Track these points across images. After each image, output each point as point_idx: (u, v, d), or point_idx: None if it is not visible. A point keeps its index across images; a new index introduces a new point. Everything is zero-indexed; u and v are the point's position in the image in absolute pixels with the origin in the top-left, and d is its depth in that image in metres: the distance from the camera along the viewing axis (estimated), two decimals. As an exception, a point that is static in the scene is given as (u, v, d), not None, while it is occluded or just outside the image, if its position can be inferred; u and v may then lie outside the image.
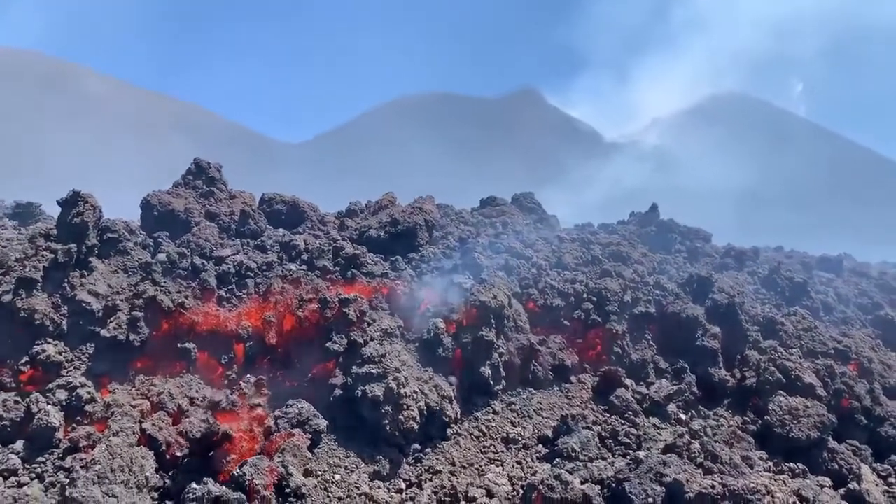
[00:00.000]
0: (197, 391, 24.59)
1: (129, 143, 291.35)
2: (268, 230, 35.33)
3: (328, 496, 22.25)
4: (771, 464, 27.54)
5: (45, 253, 25.67)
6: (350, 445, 24.62)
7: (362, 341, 27.21)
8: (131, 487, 19.73)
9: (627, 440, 27.62)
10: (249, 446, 22.19)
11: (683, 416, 31.00)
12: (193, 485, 20.12)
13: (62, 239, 26.49)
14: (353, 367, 26.01)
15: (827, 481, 26.44)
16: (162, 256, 28.60)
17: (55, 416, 21.19)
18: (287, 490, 21.07)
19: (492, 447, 27.08)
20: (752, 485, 22.42)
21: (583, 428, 27.32)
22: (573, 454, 25.61)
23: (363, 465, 24.15)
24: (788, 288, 45.19)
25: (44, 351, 23.24)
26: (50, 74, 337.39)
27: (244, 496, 20.05)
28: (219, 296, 28.59)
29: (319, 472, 23.01)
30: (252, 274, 30.02)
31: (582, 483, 22.99)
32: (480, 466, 25.67)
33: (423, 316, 30.15)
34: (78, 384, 22.59)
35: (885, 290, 51.33)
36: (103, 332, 24.51)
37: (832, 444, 28.87)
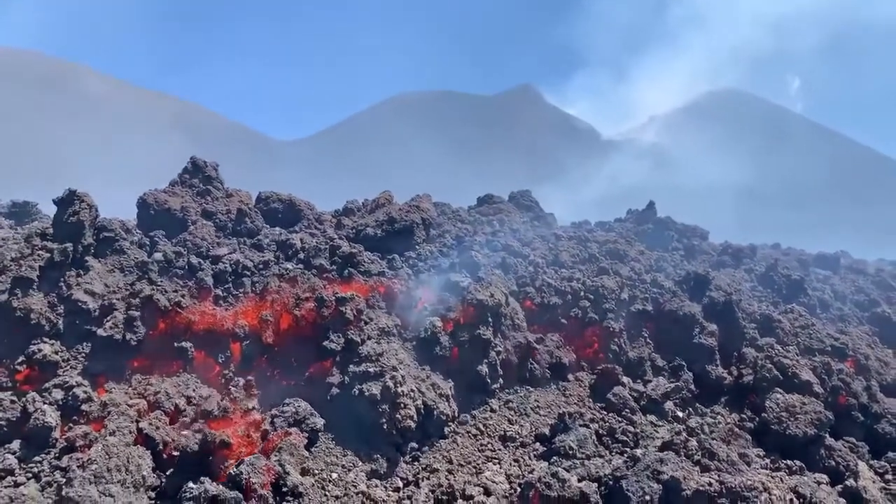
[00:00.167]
0: (194, 390, 24.56)
1: (127, 141, 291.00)
2: (264, 229, 35.27)
3: (325, 495, 22.25)
4: (768, 461, 27.62)
5: (41, 252, 25.62)
6: (347, 444, 24.61)
7: (359, 340, 27.20)
8: (128, 487, 19.71)
9: (625, 438, 27.65)
10: (248, 451, 22.12)
11: (681, 414, 31.04)
12: (190, 484, 20.11)
13: (58, 238, 26.43)
14: (351, 366, 26.01)
15: (824, 478, 26.51)
16: (158, 255, 28.55)
17: (51, 416, 21.15)
18: (284, 489, 21.06)
19: (489, 445, 27.10)
20: (749, 482, 22.43)
21: (580, 426, 27.35)
22: (570, 452, 25.64)
23: (360, 463, 24.14)
24: (785, 285, 45.23)
25: (40, 350, 23.18)
26: (49, 74, 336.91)
27: (241, 495, 20.03)
28: (215, 295, 28.54)
29: (316, 471, 23.02)
30: (249, 273, 29.98)
31: (579, 481, 23.02)
32: (478, 465, 25.68)
33: (421, 314, 30.14)
34: (74, 383, 22.55)
35: (882, 287, 51.39)
36: (100, 332, 24.45)
37: (829, 441, 28.93)
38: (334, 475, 23.18)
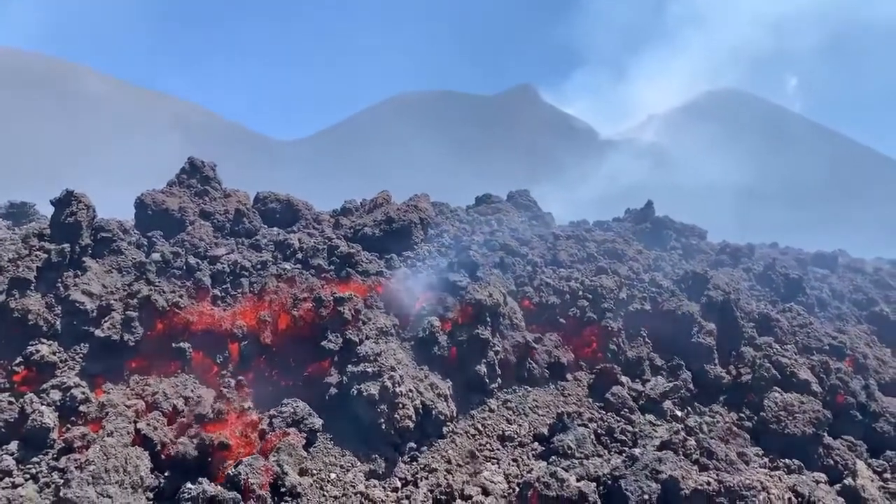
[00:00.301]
0: (192, 391, 24.52)
1: (126, 142, 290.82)
2: (262, 229, 35.25)
3: (324, 495, 22.25)
4: (766, 460, 27.65)
5: (38, 253, 25.60)
6: (345, 444, 24.60)
7: (357, 340, 27.19)
8: (126, 488, 19.69)
9: (623, 437, 27.67)
10: (246, 452, 22.09)
11: (679, 413, 31.05)
12: (188, 484, 20.11)
13: (56, 239, 26.42)
14: (349, 366, 26.00)
15: (822, 477, 26.57)
16: (156, 256, 28.51)
17: (49, 417, 21.11)
18: (283, 489, 21.06)
19: (488, 445, 27.10)
20: (747, 481, 22.45)
21: (578, 425, 27.36)
22: (569, 451, 25.65)
23: (359, 463, 24.14)
24: (783, 284, 45.25)
25: (38, 351, 23.16)
26: (48, 74, 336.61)
27: (239, 496, 20.03)
28: (213, 295, 28.51)
29: (315, 471, 23.01)
30: (247, 273, 29.95)
31: (578, 480, 23.03)
32: (476, 464, 25.69)
33: (419, 314, 30.12)
34: (72, 384, 22.52)
35: (880, 286, 51.43)
36: (97, 332, 24.43)
37: (827, 440, 28.98)
38: (333, 475, 23.18)
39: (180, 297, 26.79)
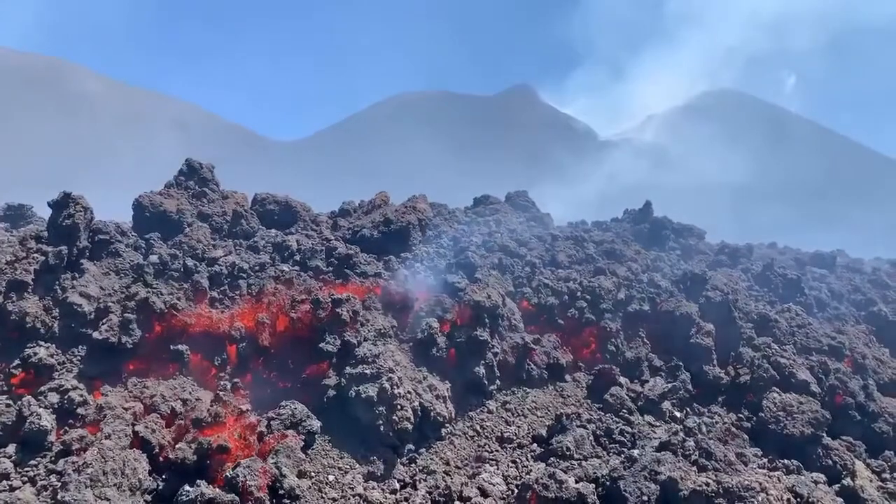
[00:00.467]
0: (190, 393, 24.48)
1: (123, 143, 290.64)
2: (260, 230, 35.20)
3: (322, 497, 22.23)
4: (765, 460, 27.65)
5: (35, 255, 25.55)
6: (344, 446, 24.60)
7: (356, 342, 27.16)
8: (124, 490, 19.67)
9: (622, 438, 27.65)
10: (245, 454, 22.03)
11: (678, 414, 31.05)
12: (186, 487, 20.08)
13: (53, 241, 26.37)
14: (347, 368, 25.96)
15: (821, 477, 26.56)
16: (154, 258, 28.47)
17: (47, 420, 21.10)
18: (281, 492, 21.04)
19: (486, 446, 27.09)
20: (746, 482, 22.46)
21: (577, 426, 27.35)
22: (568, 453, 25.63)
23: (357, 465, 24.12)
24: (782, 284, 45.22)
25: (35, 354, 23.12)
26: (46, 74, 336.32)
27: (237, 498, 20.01)
28: (211, 297, 28.46)
29: (313, 474, 22.99)
30: (244, 275, 29.90)
31: (576, 482, 23.02)
32: (475, 466, 25.68)
33: (417, 316, 30.08)
34: (70, 387, 22.50)
35: (879, 285, 51.39)
36: (95, 335, 24.39)
37: (826, 440, 28.97)
38: (331, 477, 23.16)
39: (178, 299, 26.76)
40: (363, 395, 24.87)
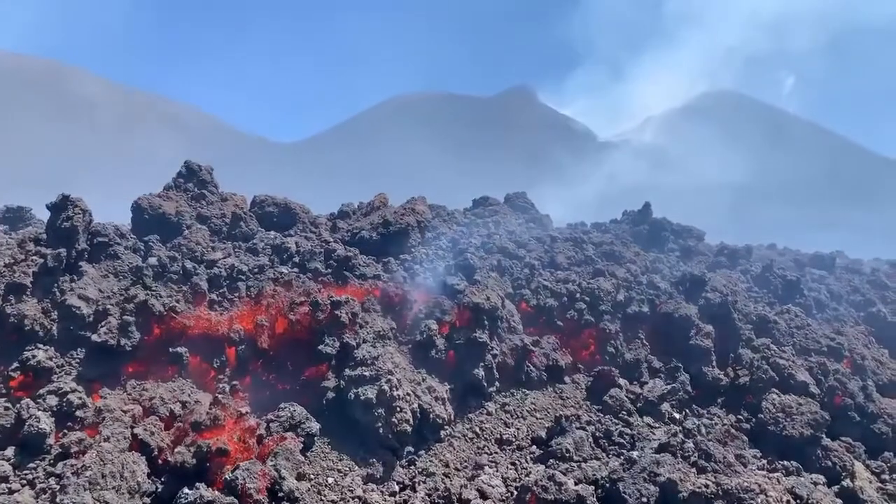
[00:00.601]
0: (189, 396, 24.47)
1: (122, 145, 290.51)
2: (259, 233, 35.18)
3: (321, 500, 22.19)
4: (765, 462, 27.62)
5: (34, 258, 25.52)
6: (343, 448, 24.56)
7: (355, 343, 27.14)
8: (123, 493, 19.64)
9: (621, 440, 27.63)
10: (245, 457, 21.99)
11: (677, 416, 31.04)
12: (185, 490, 20.04)
13: (52, 243, 26.34)
14: (346, 370, 25.94)
15: (821, 479, 26.52)
16: (153, 260, 28.44)
17: (46, 422, 21.08)
18: (280, 494, 21.00)
19: (486, 448, 27.07)
20: (745, 483, 22.45)
21: (577, 428, 27.34)
22: (567, 455, 25.61)
23: (356, 467, 24.10)
24: (781, 286, 45.24)
25: (34, 356, 23.09)
26: (44, 77, 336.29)
27: (237, 501, 19.97)
28: (210, 299, 28.44)
29: (312, 476, 22.96)
30: (243, 277, 29.88)
31: (576, 484, 23.00)
32: (474, 468, 25.66)
33: (416, 318, 30.07)
34: (69, 389, 22.48)
35: (878, 286, 51.40)
36: (94, 337, 24.38)
37: (826, 441, 28.95)
38: (330, 480, 23.14)
39: (177, 301, 26.75)
40: (362, 398, 24.85)
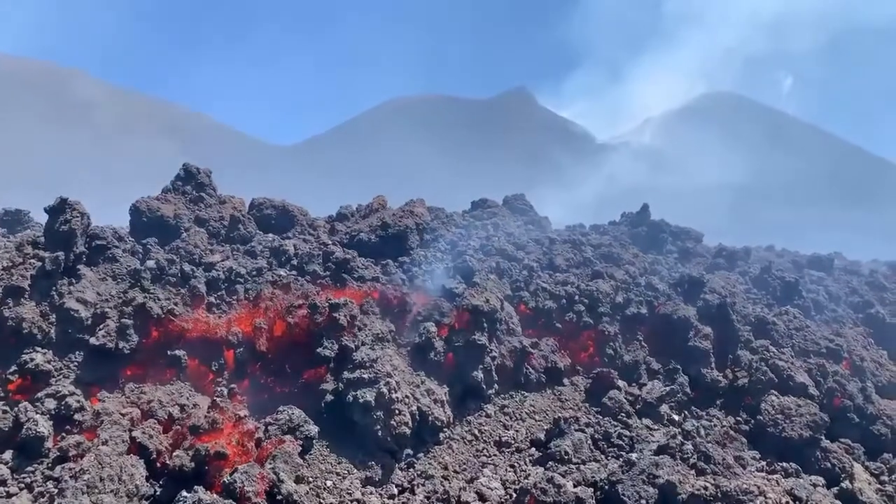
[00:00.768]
0: (187, 399, 24.43)
1: (120, 148, 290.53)
2: (257, 235, 35.17)
3: (320, 502, 22.16)
4: (764, 463, 27.61)
5: (32, 261, 25.46)
6: (342, 451, 24.52)
7: (353, 346, 27.11)
8: (121, 496, 19.59)
9: (620, 442, 27.61)
10: (243, 460, 21.95)
11: (676, 417, 31.03)
12: (184, 493, 19.98)
13: (50, 246, 26.29)
14: (345, 373, 25.91)
15: (820, 480, 26.52)
16: (151, 263, 28.40)
17: (44, 426, 21.00)
18: (279, 497, 20.93)
19: (485, 451, 27.06)
20: (744, 485, 22.44)
21: (575, 430, 27.32)
22: (566, 457, 25.58)
23: (355, 470, 24.05)
24: (780, 287, 45.28)
25: (32, 360, 23.01)
26: (42, 79, 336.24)
27: (235, 504, 19.94)
28: (208, 302, 28.40)
29: (311, 479, 22.91)
30: (242, 280, 29.85)
31: (575, 486, 22.99)
32: (473, 471, 25.64)
33: (415, 320, 30.06)
34: (67, 393, 22.40)
35: (876, 288, 51.46)
36: (92, 340, 24.31)
37: (825, 442, 28.95)
38: (329, 483, 23.10)
39: (175, 304, 26.69)
40: (361, 400, 24.81)
